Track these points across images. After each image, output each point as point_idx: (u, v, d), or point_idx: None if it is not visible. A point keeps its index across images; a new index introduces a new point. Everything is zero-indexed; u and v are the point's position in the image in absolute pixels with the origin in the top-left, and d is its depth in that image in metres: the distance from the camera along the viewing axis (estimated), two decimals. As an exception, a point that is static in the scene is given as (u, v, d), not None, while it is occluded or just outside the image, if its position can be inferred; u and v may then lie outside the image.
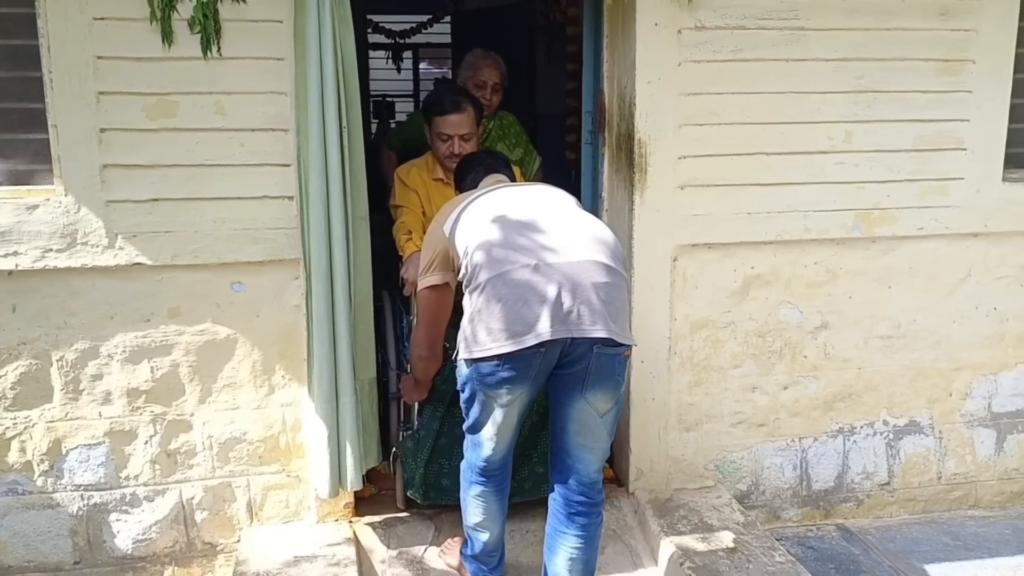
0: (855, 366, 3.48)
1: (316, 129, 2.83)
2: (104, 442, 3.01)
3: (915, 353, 3.51)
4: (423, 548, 3.10)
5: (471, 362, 2.43)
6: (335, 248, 2.90)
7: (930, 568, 3.22)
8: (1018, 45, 3.31)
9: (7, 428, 2.95)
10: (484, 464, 2.63)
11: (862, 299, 3.42)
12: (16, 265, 2.83)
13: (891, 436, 3.56)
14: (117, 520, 3.06)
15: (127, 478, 3.05)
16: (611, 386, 2.43)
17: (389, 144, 4.12)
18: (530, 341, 2.31)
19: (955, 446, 3.61)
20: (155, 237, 2.89)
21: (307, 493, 3.17)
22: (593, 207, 3.45)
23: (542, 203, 2.59)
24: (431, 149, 3.34)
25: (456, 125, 3.21)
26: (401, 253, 3.24)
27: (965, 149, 3.34)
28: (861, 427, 3.53)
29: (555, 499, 2.57)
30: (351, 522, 3.20)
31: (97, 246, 2.86)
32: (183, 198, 2.89)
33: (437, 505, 3.19)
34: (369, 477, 3.27)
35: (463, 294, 2.51)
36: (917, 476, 3.61)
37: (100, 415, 2.99)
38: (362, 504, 3.28)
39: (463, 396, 2.56)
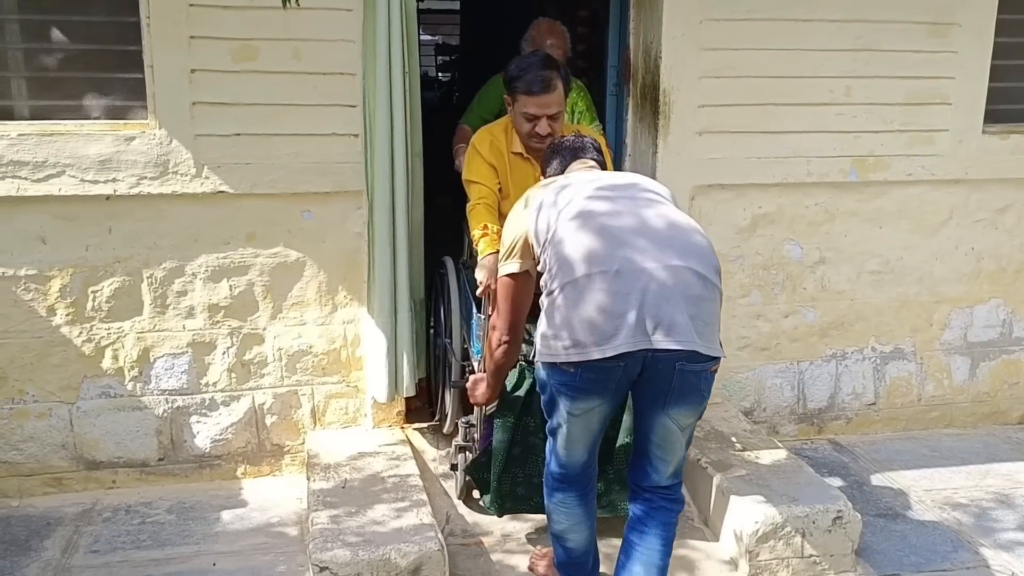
0: (848, 298, 3.90)
1: (383, 73, 3.19)
2: (187, 352, 3.38)
3: (901, 287, 3.94)
4: (468, 449, 3.52)
5: (548, 366, 2.36)
6: (397, 180, 3.28)
7: (911, 473, 3.67)
8: (999, 11, 3.71)
9: (102, 337, 3.31)
10: (562, 471, 2.53)
11: (856, 237, 3.84)
12: (114, 191, 3.18)
13: (878, 361, 4.00)
14: (197, 422, 3.43)
15: (207, 384, 3.42)
16: (695, 402, 2.34)
17: (469, 122, 3.80)
18: (607, 352, 2.20)
19: (934, 371, 4.06)
20: (236, 168, 3.25)
21: (364, 402, 3.56)
22: (617, 153, 3.83)
23: (634, 200, 2.40)
24: (513, 123, 3.07)
25: (544, 105, 2.92)
26: (475, 248, 3.05)
27: (950, 104, 3.76)
28: (852, 353, 3.96)
29: (635, 499, 2.54)
30: (402, 428, 3.60)
31: (186, 175, 3.22)
32: (262, 133, 3.24)
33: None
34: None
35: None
36: (900, 397, 4.05)
37: (184, 327, 3.36)
38: (410, 414, 3.68)
39: (543, 398, 2.49)
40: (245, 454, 3.51)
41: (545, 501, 2.62)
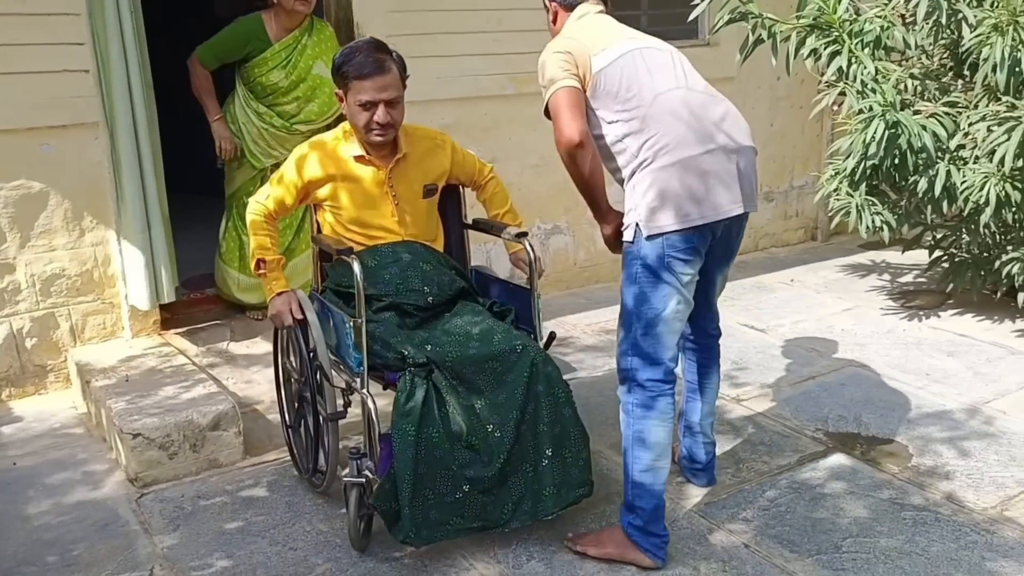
0: (516, 188, 4.87)
1: (111, 13, 3.54)
2: (-63, 287, 3.53)
3: (554, 176, 5.01)
4: (225, 343, 4.05)
5: (660, 238, 2.45)
6: (137, 110, 3.66)
7: (576, 316, 4.79)
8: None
9: None
10: (668, 365, 2.53)
11: (518, 139, 4.83)
12: None
13: (543, 237, 5.07)
14: (-45, 353, 3.61)
15: (-39, 316, 3.60)
16: (737, 251, 2.78)
17: (202, 58, 3.93)
18: (731, 213, 2.50)
19: (583, 241, 5.23)
20: (-30, 107, 3.44)
21: (121, 316, 3.92)
22: (319, 79, 4.45)
23: (696, 79, 2.63)
24: (348, 119, 2.83)
25: (380, 88, 2.72)
26: (254, 270, 2.85)
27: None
28: (523, 232, 4.99)
29: (696, 350, 2.90)
30: (160, 335, 4.02)
31: (-82, 116, 3.36)
32: (-6, 73, 3.46)
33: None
34: (166, 307, 4.07)
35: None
36: (561, 264, 5.18)
37: (-69, 264, 3.51)
38: (164, 323, 4.10)
39: (635, 288, 2.50)
40: (8, 378, 3.74)
41: (626, 432, 2.57)
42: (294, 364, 3.00)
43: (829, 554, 2.65)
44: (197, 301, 4.38)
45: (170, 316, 4.19)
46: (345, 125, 2.89)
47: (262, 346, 4.07)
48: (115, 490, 3.09)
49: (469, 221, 3.23)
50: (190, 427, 3.13)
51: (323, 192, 2.86)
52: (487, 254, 4.85)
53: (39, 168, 3.63)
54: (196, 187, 5.65)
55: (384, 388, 2.74)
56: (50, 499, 3.02)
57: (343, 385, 2.75)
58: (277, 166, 3.86)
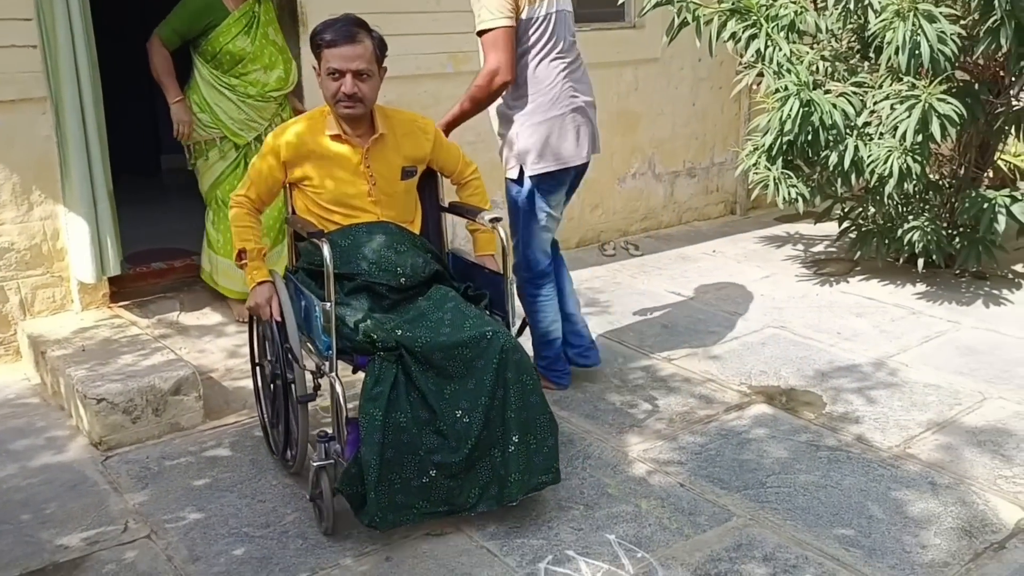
0: (454, 164, 5.08)
1: (58, -12, 3.58)
2: None
3: (491, 153, 5.17)
4: (175, 314, 4.14)
5: (539, 177, 3.29)
6: (83, 86, 3.71)
7: (513, 286, 5.02)
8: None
9: None
10: (541, 267, 3.43)
11: (455, 116, 5.00)
12: None
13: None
14: (-96, 327, 3.63)
15: (-90, 290, 3.62)
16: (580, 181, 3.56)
17: (163, 36, 3.93)
18: (586, 158, 3.36)
19: (519, 215, 5.45)
20: (-83, 81, 3.45)
21: (70, 289, 3.98)
22: (261, 57, 4.54)
23: (573, 42, 3.36)
24: (322, 92, 2.84)
25: (347, 59, 2.72)
26: (238, 263, 2.89)
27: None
28: (461, 206, 5.18)
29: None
30: (110, 307, 4.09)
31: None
32: (-60, 47, 3.47)
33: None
34: (113, 281, 4.13)
35: None
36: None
37: None
38: (113, 296, 4.16)
39: (517, 214, 3.37)
40: (-42, 351, 3.78)
41: (529, 307, 3.44)
42: (268, 347, 3.02)
43: (755, 489, 2.94)
44: (144, 275, 4.43)
45: (118, 290, 4.24)
46: (323, 106, 2.90)
47: (212, 317, 4.18)
48: (80, 454, 3.18)
49: (445, 204, 3.23)
50: (152, 392, 3.25)
51: (299, 172, 2.88)
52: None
53: (-14, 143, 3.67)
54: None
55: (354, 372, 2.74)
56: (15, 463, 3.11)
57: (313, 368, 2.77)
58: (259, 140, 3.96)
